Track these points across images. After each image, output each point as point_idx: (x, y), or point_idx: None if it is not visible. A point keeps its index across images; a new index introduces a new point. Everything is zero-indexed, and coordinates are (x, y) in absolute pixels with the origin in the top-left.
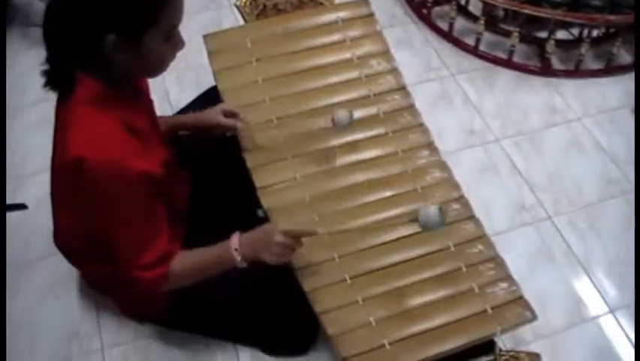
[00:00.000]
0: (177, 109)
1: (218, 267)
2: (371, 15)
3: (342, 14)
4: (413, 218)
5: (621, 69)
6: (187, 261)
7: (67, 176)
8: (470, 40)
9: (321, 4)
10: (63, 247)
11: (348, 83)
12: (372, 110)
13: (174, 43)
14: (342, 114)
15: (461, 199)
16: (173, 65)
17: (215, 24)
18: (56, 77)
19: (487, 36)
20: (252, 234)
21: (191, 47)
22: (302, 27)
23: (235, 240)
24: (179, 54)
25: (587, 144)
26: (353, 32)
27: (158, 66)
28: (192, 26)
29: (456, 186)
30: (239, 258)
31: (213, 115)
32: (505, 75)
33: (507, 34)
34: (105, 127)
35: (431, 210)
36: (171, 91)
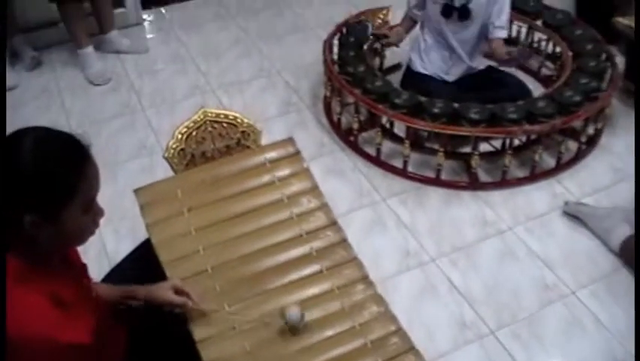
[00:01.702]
0: (115, 261)
1: None
2: (297, 153)
3: (269, 155)
4: None
5: (545, 174)
6: None
7: None
8: (398, 163)
9: (248, 147)
10: None
11: (280, 224)
12: (305, 249)
13: (94, 213)
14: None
15: (399, 332)
16: (108, 216)
17: (147, 171)
18: None
19: (415, 156)
20: None
21: (125, 197)
22: (231, 172)
23: None
24: (114, 206)
25: (521, 253)
26: (281, 172)
27: (79, 237)
28: (125, 175)
29: (393, 319)
30: None
31: (163, 292)
32: (435, 193)
33: (433, 152)
34: (29, 303)
35: None
36: (108, 243)
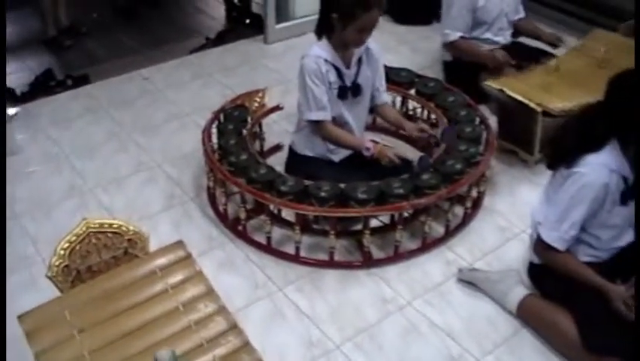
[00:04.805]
0: None
1: None
2: (188, 257)
3: (159, 262)
4: None
5: (436, 243)
6: None
7: None
8: (290, 249)
9: (137, 256)
10: None
11: (178, 335)
12: (208, 358)
13: None
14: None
15: None
16: None
17: (30, 286)
18: None
19: (306, 240)
20: None
21: (10, 322)
22: (121, 285)
23: None
24: None
25: (423, 326)
26: (173, 279)
27: None
28: (6, 293)
29: None
30: None
31: None
32: (331, 276)
33: (325, 233)
34: None
35: None
36: None
